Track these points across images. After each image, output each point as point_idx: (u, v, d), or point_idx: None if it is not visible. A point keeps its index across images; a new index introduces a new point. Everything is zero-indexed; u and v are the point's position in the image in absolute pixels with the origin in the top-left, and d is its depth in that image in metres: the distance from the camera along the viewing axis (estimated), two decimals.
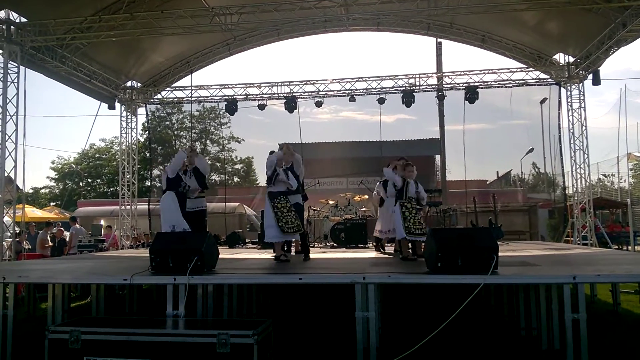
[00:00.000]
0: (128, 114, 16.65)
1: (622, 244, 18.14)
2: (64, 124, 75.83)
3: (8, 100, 11.34)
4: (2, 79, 11.31)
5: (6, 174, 11.35)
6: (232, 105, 16.31)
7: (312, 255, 9.18)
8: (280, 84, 16.34)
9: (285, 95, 16.17)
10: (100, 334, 4.83)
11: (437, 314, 5.77)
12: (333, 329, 6.89)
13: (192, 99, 17.06)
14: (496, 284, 7.38)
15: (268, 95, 16.45)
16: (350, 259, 8.65)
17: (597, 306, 8.52)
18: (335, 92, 16.31)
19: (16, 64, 11.55)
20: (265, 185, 8.11)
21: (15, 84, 11.48)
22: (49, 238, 12.99)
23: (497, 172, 25.87)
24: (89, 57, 14.12)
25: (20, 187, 12.21)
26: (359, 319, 5.24)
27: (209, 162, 33.83)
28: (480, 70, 15.65)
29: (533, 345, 6.05)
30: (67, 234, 13.84)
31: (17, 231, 12.09)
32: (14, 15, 11.59)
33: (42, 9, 11.72)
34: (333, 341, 6.38)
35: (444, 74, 16.48)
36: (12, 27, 11.52)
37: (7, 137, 11.28)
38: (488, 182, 25.05)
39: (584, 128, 14.62)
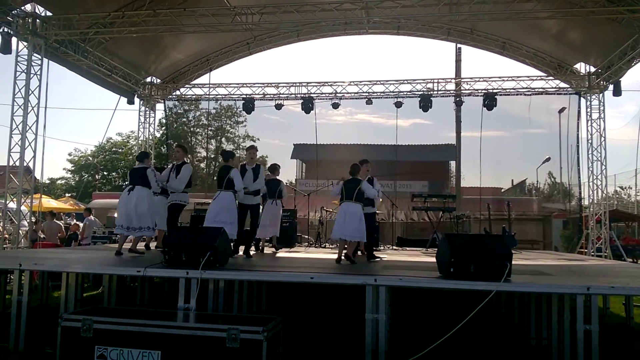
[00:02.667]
0: (146, 109, 16.83)
1: (637, 257, 17.90)
2: (81, 117, 76.77)
3: (30, 92, 11.53)
4: (25, 71, 11.51)
5: (25, 164, 11.54)
6: (249, 104, 16.40)
7: (324, 256, 9.24)
8: (297, 84, 16.39)
9: (302, 95, 16.21)
10: (112, 324, 4.88)
11: (447, 319, 5.75)
12: (342, 330, 6.89)
13: (210, 96, 17.18)
14: (508, 292, 7.33)
15: (285, 96, 16.51)
16: (361, 260, 8.65)
17: (609, 319, 8.41)
18: (353, 94, 16.32)
19: (40, 57, 11.76)
20: None
21: (38, 76, 11.69)
22: (63, 227, 13.13)
23: (512, 180, 25.70)
24: (111, 52, 14.32)
25: (38, 177, 12.40)
26: (368, 320, 5.24)
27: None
28: (500, 77, 15.56)
29: (543, 355, 5.99)
30: (80, 224, 13.98)
31: (34, 220, 12.27)
32: (39, 9, 11.82)
33: (66, 3, 11.93)
34: (341, 342, 6.38)
35: (462, 80, 16.43)
36: (37, 20, 11.73)
37: (27, 128, 11.47)
38: (503, 190, 24.87)
39: (602, 139, 14.48)
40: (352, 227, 7.53)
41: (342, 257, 7.44)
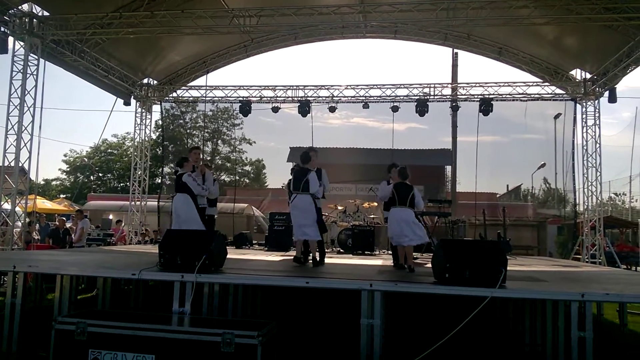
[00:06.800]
0: (143, 110, 16.78)
1: (631, 263, 17.96)
2: (75, 117, 76.38)
3: (26, 92, 11.49)
4: (22, 71, 11.46)
5: (20, 165, 11.48)
6: (246, 107, 16.38)
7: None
8: (294, 87, 16.38)
9: (299, 99, 16.21)
10: (107, 327, 4.87)
11: (441, 325, 5.75)
12: (337, 335, 6.88)
13: (207, 98, 17.15)
14: (503, 298, 7.34)
15: (282, 98, 16.50)
16: (356, 265, 8.65)
17: (603, 325, 8.44)
18: (349, 98, 16.34)
19: (36, 57, 11.72)
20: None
21: (35, 76, 11.64)
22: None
23: (508, 185, 25.78)
24: (108, 53, 14.28)
25: (33, 178, 12.34)
26: (363, 326, 5.24)
27: (219, 163, 34.07)
28: (496, 83, 15.59)
29: None
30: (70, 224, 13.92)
31: (28, 221, 12.20)
32: (36, 9, 11.76)
33: (64, 3, 11.90)
34: (336, 347, 6.37)
35: (459, 85, 16.44)
36: (34, 20, 11.68)
37: (23, 128, 11.42)
38: (498, 195, 24.93)
39: (597, 145, 14.53)
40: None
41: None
